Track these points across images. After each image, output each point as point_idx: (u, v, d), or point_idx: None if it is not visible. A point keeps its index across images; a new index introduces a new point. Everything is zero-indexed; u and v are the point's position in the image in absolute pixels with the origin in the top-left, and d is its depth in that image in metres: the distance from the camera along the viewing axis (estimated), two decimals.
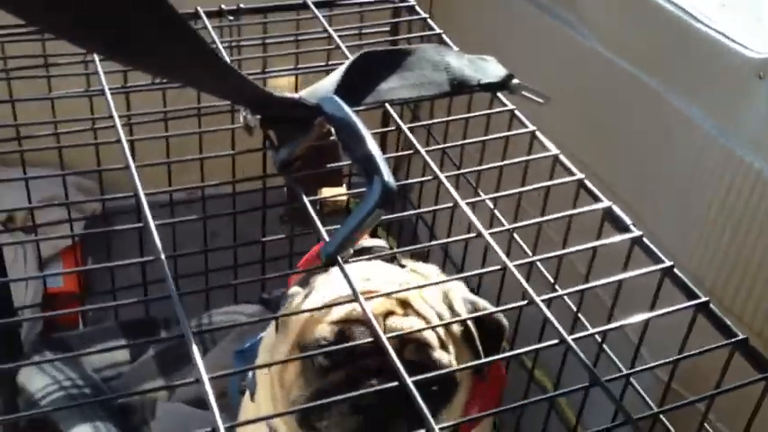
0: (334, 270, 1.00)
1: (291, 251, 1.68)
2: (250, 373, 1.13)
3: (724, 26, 1.33)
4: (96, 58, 1.19)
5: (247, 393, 1.14)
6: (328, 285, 1.01)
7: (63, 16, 0.66)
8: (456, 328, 1.01)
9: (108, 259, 1.61)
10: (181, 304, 0.77)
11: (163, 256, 0.82)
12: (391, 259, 1.16)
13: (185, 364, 1.57)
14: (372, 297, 0.91)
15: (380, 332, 0.77)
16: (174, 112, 1.37)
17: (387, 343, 0.76)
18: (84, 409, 1.42)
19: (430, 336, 0.97)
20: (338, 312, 0.97)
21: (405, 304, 0.99)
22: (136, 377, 1.58)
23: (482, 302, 1.06)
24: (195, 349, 0.72)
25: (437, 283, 1.04)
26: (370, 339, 0.79)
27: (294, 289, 1.05)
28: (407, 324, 0.97)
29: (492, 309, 1.05)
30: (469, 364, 0.99)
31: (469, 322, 1.01)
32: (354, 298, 0.81)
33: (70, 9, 0.65)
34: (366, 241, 1.21)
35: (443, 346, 0.98)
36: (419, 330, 0.96)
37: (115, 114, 1.08)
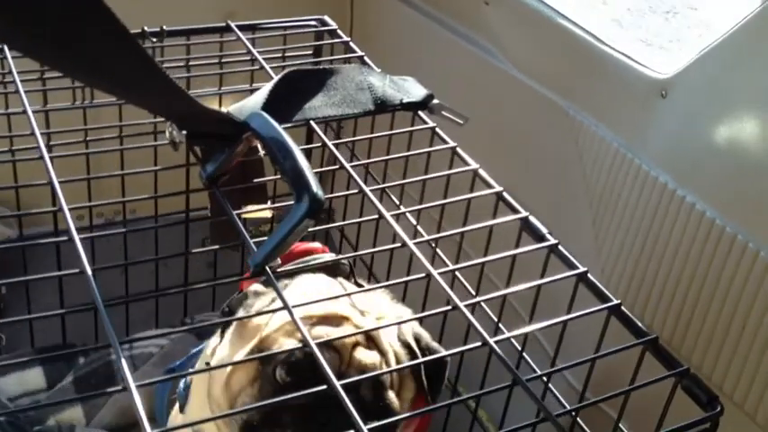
0: (301, 280, 1.02)
1: (215, 276, 1.68)
2: (181, 386, 1.12)
3: (626, 48, 1.41)
4: (16, 77, 1.18)
5: (176, 407, 1.13)
6: (297, 298, 0.98)
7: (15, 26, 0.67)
8: (405, 360, 1.03)
9: (24, 285, 1.57)
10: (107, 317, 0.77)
11: (88, 268, 0.82)
12: (347, 276, 1.17)
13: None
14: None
15: (332, 377, 0.77)
16: (94, 133, 1.37)
17: (338, 386, 0.77)
18: None
19: (386, 375, 0.98)
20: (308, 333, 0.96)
21: (369, 337, 0.99)
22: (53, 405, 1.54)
23: (425, 336, 1.07)
24: (122, 356, 0.71)
25: (396, 323, 1.03)
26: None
27: (257, 286, 1.03)
28: (370, 359, 0.97)
29: (434, 344, 1.06)
30: (420, 411, 1.00)
31: (419, 355, 1.03)
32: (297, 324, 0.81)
33: (11, 11, 0.65)
34: (325, 255, 1.20)
35: (392, 385, 0.99)
36: (383, 373, 0.96)
37: (37, 131, 1.07)
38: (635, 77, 1.37)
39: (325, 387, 0.77)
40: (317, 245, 1.24)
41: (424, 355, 1.03)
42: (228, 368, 0.98)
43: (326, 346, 0.93)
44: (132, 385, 0.72)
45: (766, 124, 1.19)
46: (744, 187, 1.20)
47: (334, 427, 0.89)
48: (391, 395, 0.98)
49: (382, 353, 0.99)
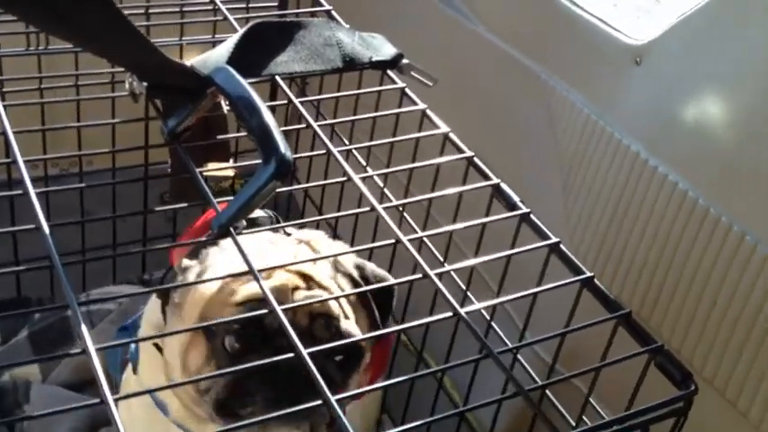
0: (226, 245, 0.98)
1: (174, 231, 1.64)
2: (133, 347, 1.09)
3: (602, 12, 1.38)
4: None
5: (129, 368, 1.10)
6: (224, 263, 0.96)
7: None
8: (349, 290, 1.01)
9: None
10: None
11: (45, 224, 0.78)
12: (275, 230, 1.14)
13: (61, 346, 1.50)
14: (268, 269, 0.90)
15: (280, 311, 0.75)
16: (49, 81, 1.31)
17: (287, 322, 0.75)
18: None
19: (335, 308, 0.96)
20: (243, 292, 0.94)
21: (305, 277, 0.97)
22: (8, 359, 1.50)
23: (369, 265, 1.05)
24: (80, 317, 0.68)
25: (333, 255, 1.01)
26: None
27: (185, 262, 1.00)
28: (314, 297, 0.95)
29: (380, 270, 1.04)
30: (378, 332, 0.99)
31: (363, 285, 1.01)
32: (255, 275, 0.79)
33: None
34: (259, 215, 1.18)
35: (346, 317, 0.97)
36: (324, 300, 0.95)
37: None
38: (609, 43, 1.35)
39: (292, 355, 0.74)
40: None
41: (368, 283, 1.01)
42: (180, 352, 0.96)
43: (264, 301, 0.87)
44: (92, 348, 0.69)
45: (740, 95, 1.18)
46: (716, 159, 1.19)
47: (298, 383, 0.88)
48: (347, 324, 0.96)
49: (324, 288, 0.98)
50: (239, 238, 0.89)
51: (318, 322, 0.95)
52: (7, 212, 1.29)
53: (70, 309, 0.70)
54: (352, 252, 1.04)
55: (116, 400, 0.64)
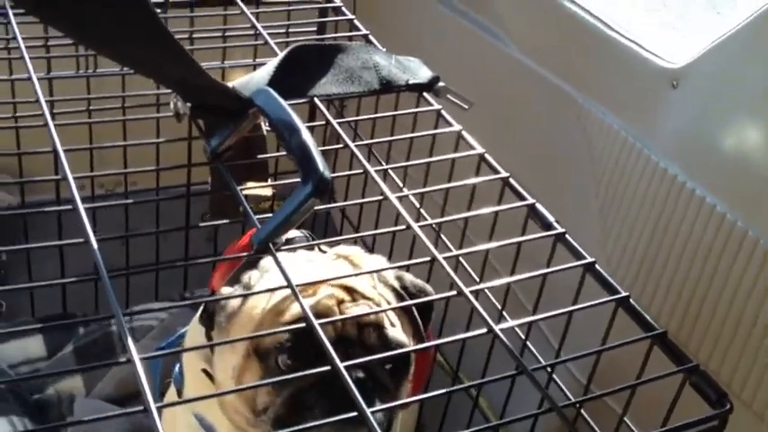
0: (267, 267, 1.00)
1: (215, 251, 1.66)
2: (176, 370, 1.10)
3: (638, 35, 1.39)
4: (21, 43, 1.16)
5: (171, 390, 1.11)
6: (269, 283, 0.97)
7: None
8: (393, 301, 1.02)
9: (25, 252, 1.56)
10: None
11: (93, 238, 0.81)
12: (310, 248, 1.15)
13: (105, 361, 1.53)
14: (311, 285, 0.92)
15: (336, 359, 0.76)
16: (97, 102, 1.35)
17: (341, 367, 0.75)
18: (0, 404, 1.37)
19: (382, 316, 0.97)
20: (292, 311, 0.94)
21: (349, 290, 0.98)
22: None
23: (408, 276, 1.06)
24: (125, 327, 0.70)
25: (374, 271, 1.02)
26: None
27: (226, 289, 1.00)
28: (360, 310, 0.96)
29: (419, 281, 1.05)
30: (426, 344, 1.00)
31: (405, 295, 1.02)
32: (294, 292, 0.80)
33: None
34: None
35: (393, 324, 0.98)
36: (375, 312, 0.96)
37: (42, 98, 1.05)
38: (645, 66, 1.35)
39: (328, 368, 0.75)
40: None
41: (410, 294, 1.02)
42: (233, 376, 0.96)
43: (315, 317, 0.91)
44: (136, 358, 0.70)
45: None
46: (754, 181, 1.18)
47: (361, 389, 0.88)
48: (394, 332, 0.97)
49: (369, 299, 0.99)
50: (279, 255, 0.91)
51: (367, 331, 0.95)
52: (55, 229, 1.33)
53: (115, 319, 0.72)
54: (392, 267, 1.05)
55: (159, 408, 0.66)
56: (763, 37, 1.19)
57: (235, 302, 0.98)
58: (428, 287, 1.05)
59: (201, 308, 1.03)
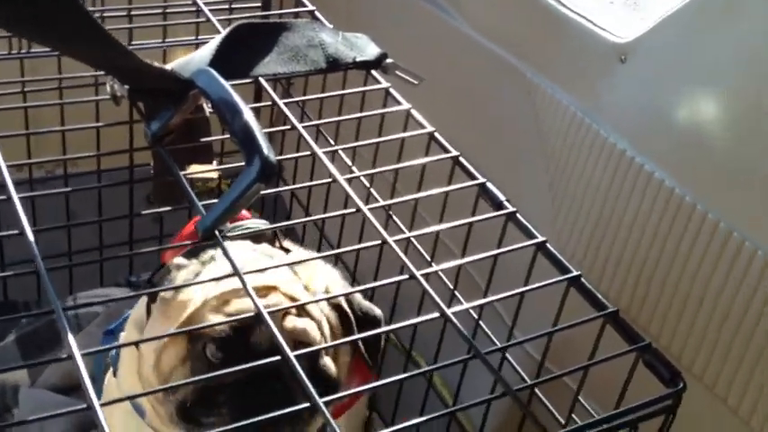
0: (229, 249, 0.98)
1: (161, 232, 1.63)
2: (114, 350, 1.08)
3: (587, 10, 1.38)
4: None
5: (110, 371, 1.09)
6: (222, 270, 0.94)
7: None
8: (336, 323, 1.00)
9: None
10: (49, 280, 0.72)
11: (29, 230, 0.77)
12: (272, 240, 1.13)
13: (49, 350, 1.49)
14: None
15: (287, 349, 0.74)
16: (32, 84, 1.30)
17: (292, 357, 0.74)
18: None
19: (318, 340, 0.96)
20: (237, 305, 0.93)
21: (297, 304, 0.96)
22: None
23: (357, 298, 1.04)
24: (66, 324, 0.68)
25: (336, 296, 1.01)
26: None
27: (179, 259, 0.99)
28: (301, 326, 0.95)
29: (366, 303, 1.04)
30: (349, 392, 0.98)
31: (350, 314, 1.00)
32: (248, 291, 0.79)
33: None
34: (249, 222, 1.17)
35: (327, 352, 0.97)
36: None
37: None
38: (594, 41, 1.35)
39: (278, 358, 0.73)
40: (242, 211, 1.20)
41: (357, 317, 1.01)
42: (157, 348, 0.95)
43: (257, 319, 0.88)
44: (77, 354, 0.68)
45: (726, 92, 1.18)
46: (702, 156, 1.19)
47: (270, 404, 0.87)
48: (326, 361, 0.97)
49: (313, 319, 0.97)
50: (233, 245, 0.89)
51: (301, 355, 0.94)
52: None
53: (56, 315, 0.70)
54: (334, 254, 1.03)
55: (102, 405, 0.63)
56: (711, 11, 1.19)
57: (182, 275, 0.97)
58: (377, 311, 1.04)
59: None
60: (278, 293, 0.97)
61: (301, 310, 0.97)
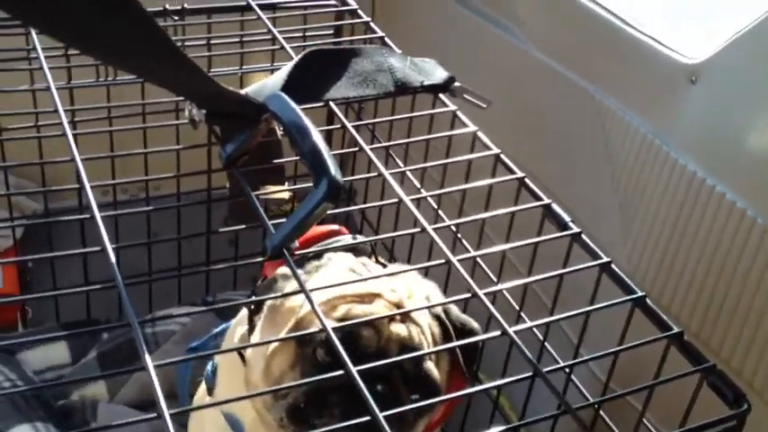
0: (331, 262, 1.03)
1: (237, 254, 1.68)
2: (209, 368, 1.11)
3: (656, 31, 1.37)
4: (41, 53, 1.18)
5: (201, 389, 1.12)
6: (327, 280, 0.99)
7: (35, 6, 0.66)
8: (437, 331, 1.02)
9: (50, 259, 1.58)
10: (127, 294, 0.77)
11: (109, 247, 0.82)
12: (369, 255, 1.16)
13: (128, 366, 1.54)
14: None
15: (349, 364, 0.76)
16: (117, 109, 1.37)
17: (354, 371, 0.76)
18: (24, 409, 1.39)
19: (425, 346, 0.97)
20: (343, 311, 0.96)
21: (401, 311, 0.98)
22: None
23: (453, 308, 1.06)
24: (140, 337, 0.71)
25: (436, 305, 1.03)
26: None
27: (284, 269, 1.01)
28: (407, 332, 0.97)
29: (464, 316, 1.05)
30: (461, 393, 1.00)
31: (450, 329, 1.02)
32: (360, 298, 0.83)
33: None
34: (346, 236, 1.19)
35: (430, 358, 0.98)
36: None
37: (60, 108, 1.07)
38: (663, 62, 1.34)
39: (341, 372, 0.76)
40: (336, 227, 1.23)
41: (454, 328, 1.02)
42: (266, 354, 0.97)
43: (364, 323, 0.93)
44: (150, 365, 0.72)
45: None
46: None
47: (382, 405, 0.89)
48: (430, 366, 0.98)
49: (417, 325, 0.99)
50: (337, 257, 0.95)
51: (407, 358, 0.95)
52: (79, 234, 1.35)
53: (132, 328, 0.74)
54: (403, 272, 1.05)
55: (172, 415, 0.66)
56: None
57: (289, 286, 0.99)
58: (474, 324, 1.04)
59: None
60: (382, 300, 0.98)
61: (405, 317, 0.98)
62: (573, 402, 0.79)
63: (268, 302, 1.01)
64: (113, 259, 0.82)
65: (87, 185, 0.92)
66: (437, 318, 1.02)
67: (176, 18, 1.42)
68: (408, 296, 1.02)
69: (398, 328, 0.97)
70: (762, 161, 1.20)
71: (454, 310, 1.05)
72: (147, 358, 0.70)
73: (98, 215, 0.87)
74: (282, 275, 1.01)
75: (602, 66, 1.47)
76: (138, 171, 1.50)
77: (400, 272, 1.05)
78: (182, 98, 1.25)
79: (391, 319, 0.97)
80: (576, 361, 0.90)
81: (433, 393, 0.97)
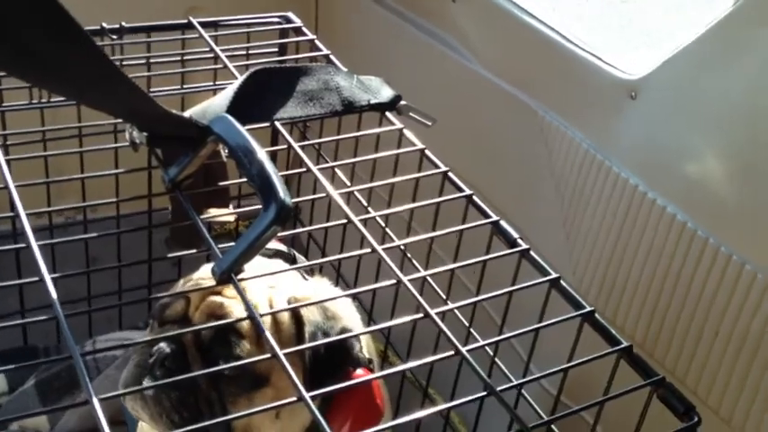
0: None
1: (179, 275, 1.64)
2: None
3: (597, 47, 1.40)
4: None
5: None
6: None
7: None
8: (291, 331, 1.01)
9: None
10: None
11: (47, 277, 0.79)
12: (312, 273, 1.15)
13: (68, 395, 1.50)
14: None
15: None
16: (53, 132, 1.33)
17: None
18: None
19: (243, 325, 0.98)
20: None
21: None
22: (15, 408, 1.50)
23: (336, 326, 1.05)
24: (83, 369, 0.69)
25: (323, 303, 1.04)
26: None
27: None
28: (219, 301, 1.00)
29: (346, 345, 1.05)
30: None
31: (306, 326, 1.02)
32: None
33: None
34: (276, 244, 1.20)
35: (242, 336, 0.98)
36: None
37: None
38: (604, 78, 1.36)
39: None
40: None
41: (309, 333, 1.01)
42: None
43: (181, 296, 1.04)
44: (95, 399, 0.69)
45: (736, 127, 1.19)
46: (714, 190, 1.19)
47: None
48: (244, 343, 0.98)
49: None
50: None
51: (219, 334, 0.98)
52: (14, 264, 1.30)
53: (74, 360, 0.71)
54: (351, 294, 1.05)
55: None
56: (720, 47, 1.20)
57: None
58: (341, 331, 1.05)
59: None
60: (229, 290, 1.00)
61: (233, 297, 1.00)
62: (524, 417, 0.79)
63: None
64: (52, 289, 0.79)
65: (22, 213, 0.89)
66: (296, 317, 1.02)
67: (114, 37, 1.39)
68: (271, 287, 1.03)
69: (210, 299, 1.01)
70: (701, 174, 1.22)
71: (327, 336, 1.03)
72: (92, 392, 0.68)
73: (34, 244, 0.84)
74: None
75: (544, 82, 1.49)
76: (75, 194, 1.46)
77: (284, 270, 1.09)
78: (120, 120, 1.23)
79: (211, 293, 1.01)
80: (528, 379, 0.90)
81: (250, 375, 0.97)
